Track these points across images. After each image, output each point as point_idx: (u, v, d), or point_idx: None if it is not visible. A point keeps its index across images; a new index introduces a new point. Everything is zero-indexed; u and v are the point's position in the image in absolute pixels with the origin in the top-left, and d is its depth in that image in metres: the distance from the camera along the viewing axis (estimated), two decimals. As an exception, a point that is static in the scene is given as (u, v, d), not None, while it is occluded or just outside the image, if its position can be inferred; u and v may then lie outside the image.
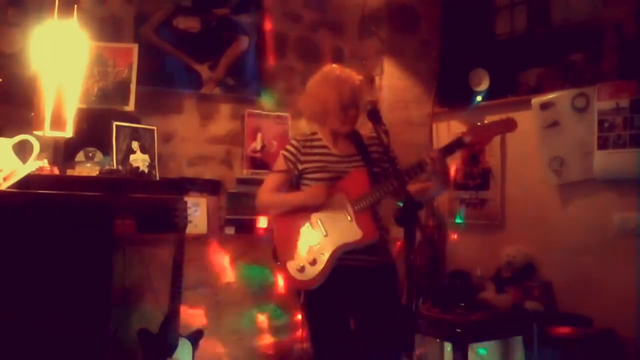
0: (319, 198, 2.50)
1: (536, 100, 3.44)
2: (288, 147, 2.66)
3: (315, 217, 2.52)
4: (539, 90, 3.54)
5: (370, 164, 2.50)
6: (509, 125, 2.46)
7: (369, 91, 2.72)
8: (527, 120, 3.48)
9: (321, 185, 2.51)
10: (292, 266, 2.52)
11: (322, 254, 2.47)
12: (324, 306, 2.51)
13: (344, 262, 2.47)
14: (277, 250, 2.60)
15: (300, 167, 2.61)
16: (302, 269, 2.49)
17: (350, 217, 2.45)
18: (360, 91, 2.57)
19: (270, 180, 2.70)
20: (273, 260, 2.62)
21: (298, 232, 2.53)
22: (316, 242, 2.50)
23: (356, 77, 2.58)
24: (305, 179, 2.61)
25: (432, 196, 3.01)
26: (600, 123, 3.15)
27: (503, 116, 2.49)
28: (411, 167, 2.41)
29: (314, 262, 2.48)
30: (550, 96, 3.39)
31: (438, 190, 2.62)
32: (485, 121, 2.47)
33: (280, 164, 2.67)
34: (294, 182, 2.67)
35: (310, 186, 2.57)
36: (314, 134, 2.67)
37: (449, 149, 2.43)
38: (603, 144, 3.14)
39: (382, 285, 2.50)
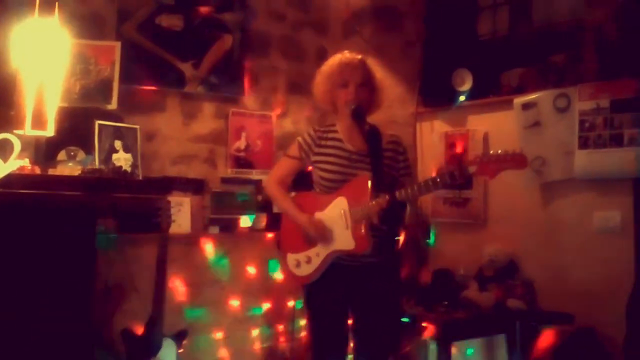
0: (311, 233, 2.52)
1: (518, 101, 3.47)
2: (305, 135, 2.67)
3: (318, 216, 2.55)
4: (521, 90, 3.57)
5: (378, 169, 2.42)
6: (519, 162, 2.27)
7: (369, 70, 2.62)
8: (509, 120, 3.53)
9: (315, 230, 2.50)
10: (290, 259, 2.63)
11: (317, 254, 2.54)
12: (321, 300, 2.58)
13: (341, 261, 2.52)
14: (281, 240, 2.73)
15: (312, 158, 2.62)
16: (298, 264, 2.60)
17: (347, 225, 2.46)
18: (352, 67, 2.54)
19: (282, 165, 2.74)
20: (276, 248, 2.77)
21: (301, 228, 2.59)
22: (314, 241, 2.55)
23: (351, 56, 2.60)
24: (316, 171, 2.63)
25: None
26: (581, 123, 3.19)
27: (517, 149, 2.31)
28: (410, 190, 2.36)
29: (309, 261, 2.56)
30: (532, 96, 3.42)
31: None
32: (494, 152, 2.30)
33: (294, 150, 2.68)
34: (306, 168, 2.70)
35: (309, 222, 2.53)
36: (332, 125, 2.67)
37: (451, 176, 2.28)
38: (584, 144, 3.18)
39: (378, 282, 2.52)
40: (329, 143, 2.60)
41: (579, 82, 3.22)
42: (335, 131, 2.63)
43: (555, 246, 3.36)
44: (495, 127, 3.71)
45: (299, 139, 2.68)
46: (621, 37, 3.11)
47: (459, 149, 3.86)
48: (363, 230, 2.42)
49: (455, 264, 3.70)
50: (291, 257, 2.63)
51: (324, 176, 2.57)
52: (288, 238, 2.68)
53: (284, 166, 2.73)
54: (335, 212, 2.49)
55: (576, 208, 3.30)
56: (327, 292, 2.55)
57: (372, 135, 2.48)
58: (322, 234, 2.50)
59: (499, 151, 2.29)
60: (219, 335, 3.73)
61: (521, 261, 3.49)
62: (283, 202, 2.68)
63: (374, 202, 2.36)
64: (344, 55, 2.60)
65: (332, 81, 2.56)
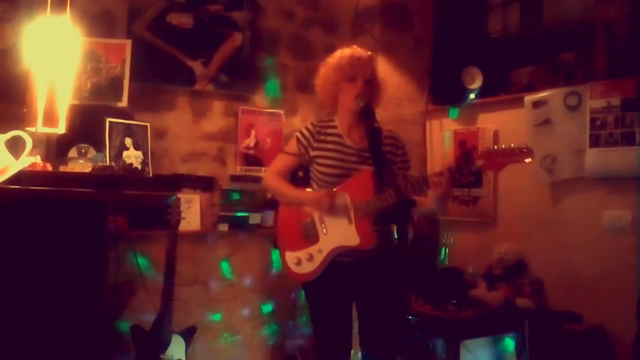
0: (323, 208, 2.47)
1: (528, 98, 3.45)
2: (303, 130, 2.63)
3: (318, 213, 2.52)
4: (531, 88, 3.55)
5: (380, 164, 2.38)
6: (526, 156, 2.24)
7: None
8: (519, 118, 3.52)
9: (328, 196, 2.46)
10: (289, 257, 2.57)
11: (320, 251, 2.50)
12: (322, 297, 2.56)
13: (342, 257, 2.50)
14: (278, 238, 2.67)
15: (311, 153, 2.59)
16: (299, 262, 2.54)
17: (351, 220, 2.44)
18: (363, 62, 2.54)
19: (280, 161, 2.70)
20: (273, 246, 2.67)
21: (300, 225, 2.55)
22: (315, 238, 2.51)
23: (362, 51, 2.59)
24: (314, 166, 2.60)
25: (425, 213, 2.72)
26: (592, 121, 3.17)
27: (522, 145, 2.27)
28: (416, 184, 2.34)
29: (310, 258, 2.51)
30: (542, 94, 3.41)
31: (433, 210, 2.55)
32: (499, 146, 2.29)
33: (292, 146, 2.64)
34: (304, 165, 2.67)
35: (318, 192, 2.51)
36: (330, 120, 2.64)
37: (459, 172, 2.31)
38: (595, 142, 3.16)
39: (382, 276, 2.50)
40: (329, 138, 2.58)
41: (589, 80, 3.20)
42: (335, 126, 2.61)
43: (565, 245, 3.34)
44: (506, 125, 3.70)
45: (297, 134, 2.64)
46: (632, 34, 3.09)
47: (469, 147, 3.85)
48: (368, 226, 2.41)
49: (464, 262, 3.69)
50: (290, 255, 2.57)
51: (324, 171, 2.55)
52: (286, 235, 2.62)
53: (281, 163, 2.69)
54: (339, 208, 2.46)
55: (586, 207, 3.28)
56: (329, 289, 2.52)
57: (374, 131, 2.44)
58: (334, 205, 2.43)
59: (503, 146, 2.29)
60: (227, 332, 3.75)
61: (530, 260, 3.47)
62: (286, 190, 2.62)
63: (378, 197, 2.35)
64: (355, 50, 2.59)
65: (340, 73, 2.53)
